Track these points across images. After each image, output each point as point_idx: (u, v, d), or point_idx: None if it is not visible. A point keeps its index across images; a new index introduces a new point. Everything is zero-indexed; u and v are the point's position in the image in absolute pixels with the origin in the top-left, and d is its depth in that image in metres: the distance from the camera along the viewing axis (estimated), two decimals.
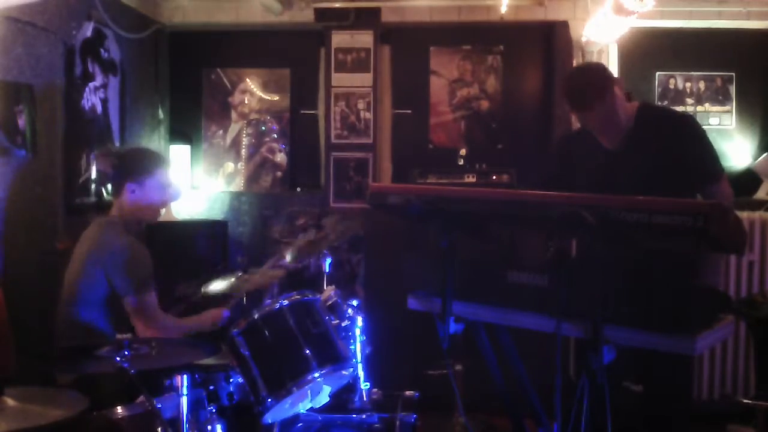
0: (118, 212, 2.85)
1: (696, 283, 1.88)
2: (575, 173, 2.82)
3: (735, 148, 4.64)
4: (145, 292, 2.69)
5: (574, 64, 4.57)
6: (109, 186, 2.96)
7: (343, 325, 2.71)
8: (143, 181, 2.82)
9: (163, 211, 4.59)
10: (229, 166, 4.92)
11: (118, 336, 2.07)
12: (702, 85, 4.69)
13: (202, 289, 3.15)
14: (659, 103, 4.57)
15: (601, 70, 2.75)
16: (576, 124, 4.58)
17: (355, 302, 2.86)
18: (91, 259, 2.72)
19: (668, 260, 1.83)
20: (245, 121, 4.89)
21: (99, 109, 3.95)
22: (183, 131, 4.94)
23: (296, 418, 2.61)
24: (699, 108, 4.69)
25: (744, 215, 4.07)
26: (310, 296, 2.52)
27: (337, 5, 4.61)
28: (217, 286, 3.16)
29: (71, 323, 2.71)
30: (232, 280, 3.17)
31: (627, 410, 2.49)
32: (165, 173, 2.90)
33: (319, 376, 2.32)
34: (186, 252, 4.34)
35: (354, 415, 2.69)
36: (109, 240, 2.75)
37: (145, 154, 3.01)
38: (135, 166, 2.85)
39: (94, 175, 3.77)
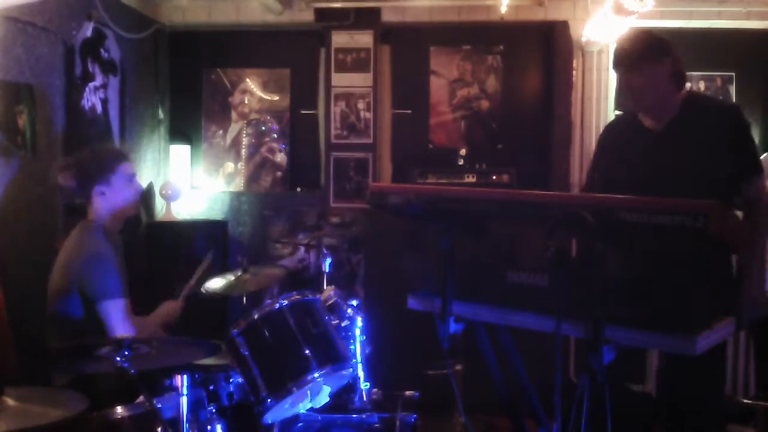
0: (95, 216, 2.82)
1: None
2: (620, 157, 2.76)
3: None
4: (115, 298, 2.67)
5: (574, 64, 4.58)
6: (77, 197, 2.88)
7: (343, 325, 2.71)
8: (110, 180, 2.79)
9: (162, 209, 4.61)
10: (229, 166, 4.92)
11: (118, 336, 2.07)
12: (702, 85, 4.68)
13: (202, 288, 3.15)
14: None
15: (658, 36, 2.68)
16: (576, 123, 4.59)
17: (355, 302, 2.86)
18: (70, 266, 2.71)
19: (668, 260, 1.83)
20: (245, 121, 4.89)
21: (99, 109, 3.95)
22: (183, 131, 4.94)
23: (296, 418, 2.60)
24: None
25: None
26: (310, 296, 2.51)
27: (337, 5, 4.61)
28: (216, 284, 3.16)
29: (58, 320, 2.72)
30: (231, 278, 3.17)
31: (629, 411, 2.49)
32: (127, 165, 2.87)
33: (318, 377, 2.32)
34: (186, 252, 4.34)
35: (354, 415, 2.69)
36: (85, 247, 2.73)
37: (103, 153, 2.95)
38: (97, 168, 2.80)
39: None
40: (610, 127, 3.02)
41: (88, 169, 2.81)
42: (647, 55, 2.58)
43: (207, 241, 4.44)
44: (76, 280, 2.68)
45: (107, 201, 2.80)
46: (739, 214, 2.73)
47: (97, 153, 2.96)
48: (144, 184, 4.50)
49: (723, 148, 2.57)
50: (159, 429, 1.94)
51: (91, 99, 3.85)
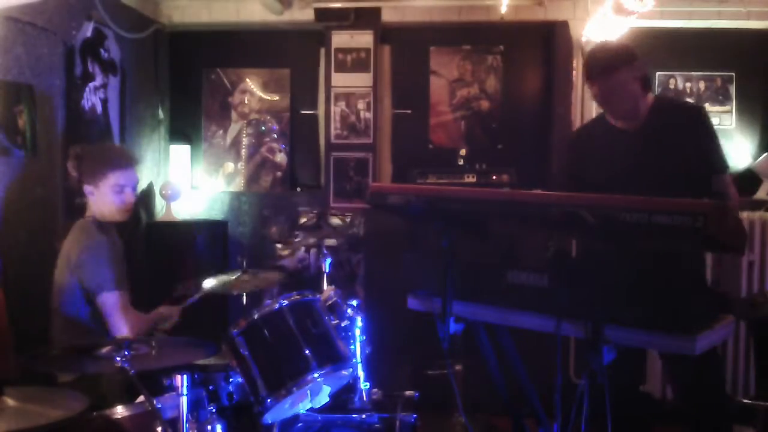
0: (90, 213, 2.85)
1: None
2: (598, 159, 2.88)
3: (735, 148, 4.64)
4: (110, 290, 2.68)
5: (574, 64, 4.57)
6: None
7: (343, 325, 2.71)
8: (97, 183, 2.78)
9: (162, 209, 4.61)
10: (229, 166, 4.91)
11: (118, 336, 2.07)
12: (702, 85, 4.68)
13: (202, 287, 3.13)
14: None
15: (626, 45, 2.88)
16: (576, 123, 4.59)
17: (355, 302, 2.85)
18: (69, 264, 2.73)
19: (668, 260, 1.83)
20: (245, 121, 4.89)
21: (99, 109, 3.95)
22: (183, 131, 4.94)
23: (296, 418, 2.60)
24: None
25: (744, 215, 4.07)
26: (310, 296, 2.51)
27: (337, 5, 4.61)
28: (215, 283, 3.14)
29: (64, 320, 2.74)
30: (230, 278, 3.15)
31: (629, 411, 2.48)
32: (120, 174, 2.80)
33: (318, 376, 2.32)
34: (186, 252, 4.34)
35: (354, 415, 2.68)
36: (80, 242, 2.75)
37: (100, 154, 2.90)
38: (87, 167, 2.80)
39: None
40: (583, 133, 3.13)
41: (84, 166, 2.81)
42: (618, 61, 2.71)
43: (207, 241, 4.45)
44: (76, 276, 2.71)
45: (94, 201, 2.83)
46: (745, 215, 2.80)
47: (97, 153, 2.91)
48: (144, 184, 4.50)
49: (692, 146, 2.72)
50: (159, 429, 1.93)
51: (91, 99, 3.85)
